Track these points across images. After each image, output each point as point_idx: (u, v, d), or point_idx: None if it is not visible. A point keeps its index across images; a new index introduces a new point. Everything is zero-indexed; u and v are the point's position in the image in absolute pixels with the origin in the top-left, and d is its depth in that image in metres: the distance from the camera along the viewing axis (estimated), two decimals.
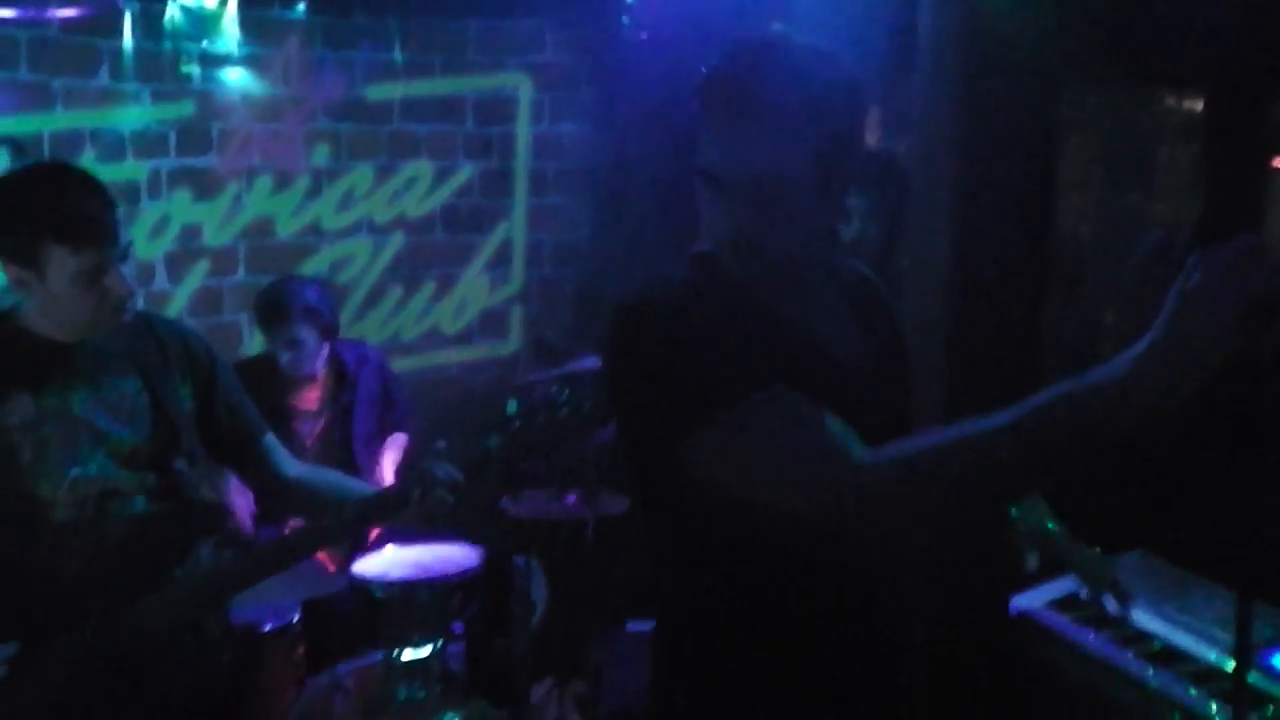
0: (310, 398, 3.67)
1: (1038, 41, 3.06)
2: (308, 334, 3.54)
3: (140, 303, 2.09)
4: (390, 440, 3.80)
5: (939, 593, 1.61)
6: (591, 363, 3.75)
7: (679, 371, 1.33)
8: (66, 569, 1.99)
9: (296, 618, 3.00)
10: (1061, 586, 2.41)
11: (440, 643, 3.05)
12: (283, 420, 3.53)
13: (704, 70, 1.44)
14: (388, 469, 3.73)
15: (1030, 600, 2.41)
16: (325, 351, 3.68)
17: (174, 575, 2.08)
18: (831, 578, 1.41)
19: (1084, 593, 2.21)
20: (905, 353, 1.63)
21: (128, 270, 1.99)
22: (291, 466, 2.35)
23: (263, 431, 2.32)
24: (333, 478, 2.47)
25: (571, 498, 3.70)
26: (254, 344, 4.17)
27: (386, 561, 3.36)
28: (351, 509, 2.20)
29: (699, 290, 1.43)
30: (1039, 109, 3.12)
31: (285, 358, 3.55)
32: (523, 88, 4.66)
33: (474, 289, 4.73)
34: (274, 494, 2.39)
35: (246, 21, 4.21)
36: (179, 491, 2.10)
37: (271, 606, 3.01)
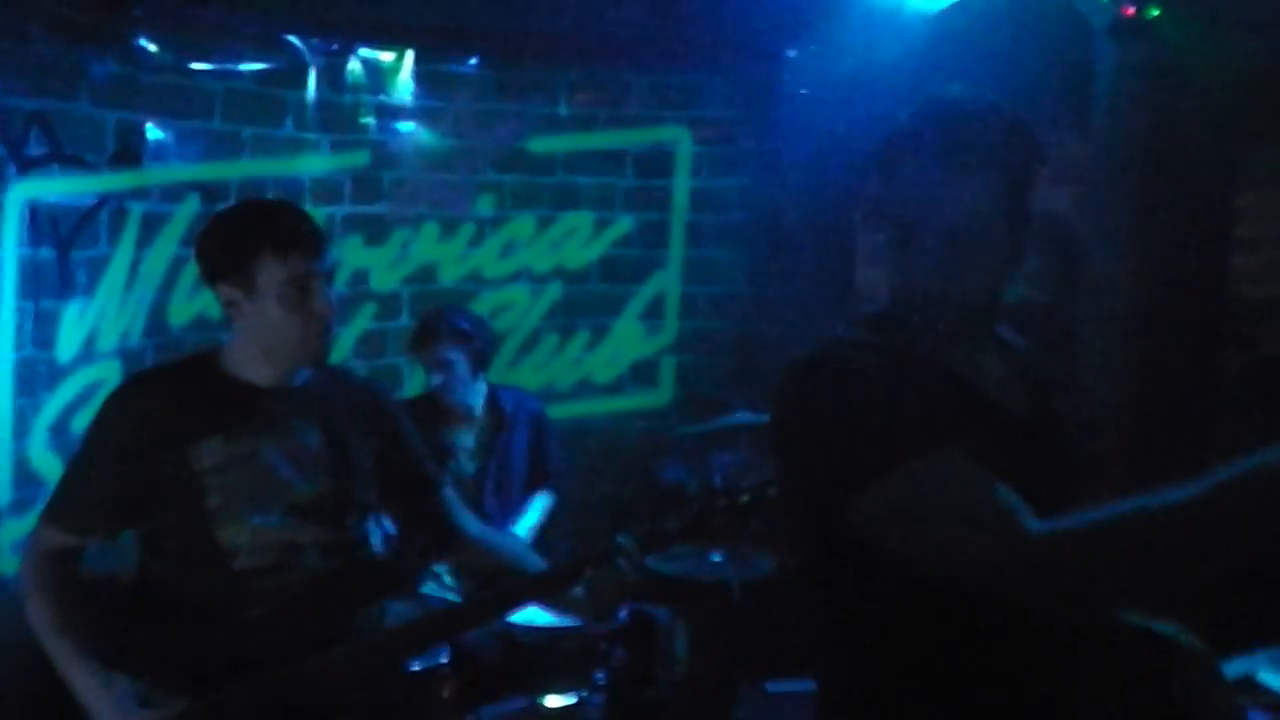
0: (468, 437, 3.74)
1: (1221, 95, 2.94)
2: (457, 356, 3.62)
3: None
4: (535, 499, 3.82)
5: (1110, 658, 1.54)
6: (744, 418, 3.72)
7: (852, 429, 1.34)
8: (245, 617, 2.01)
9: (446, 659, 3.04)
10: (1236, 668, 2.26)
11: (584, 692, 3.05)
12: (441, 458, 3.61)
13: (895, 122, 1.47)
14: (527, 527, 3.74)
15: None
16: (482, 389, 3.75)
17: (350, 630, 2.08)
18: (999, 642, 1.39)
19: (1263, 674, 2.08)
20: (1069, 421, 1.63)
21: (333, 295, 2.05)
22: (472, 524, 2.37)
23: (442, 484, 2.34)
24: (509, 543, 2.48)
25: (718, 556, 3.67)
26: (413, 386, 4.29)
27: (533, 608, 3.39)
28: (523, 584, 2.19)
29: (871, 348, 1.45)
30: (1218, 166, 3.00)
31: (435, 380, 3.63)
32: (682, 141, 4.70)
33: (627, 339, 4.77)
34: (450, 549, 2.41)
35: (421, 74, 4.38)
36: (352, 547, 2.13)
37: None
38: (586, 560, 2.12)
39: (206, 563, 2.01)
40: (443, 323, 3.64)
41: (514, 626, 3.25)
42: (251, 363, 2.08)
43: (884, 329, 1.49)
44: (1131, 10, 2.33)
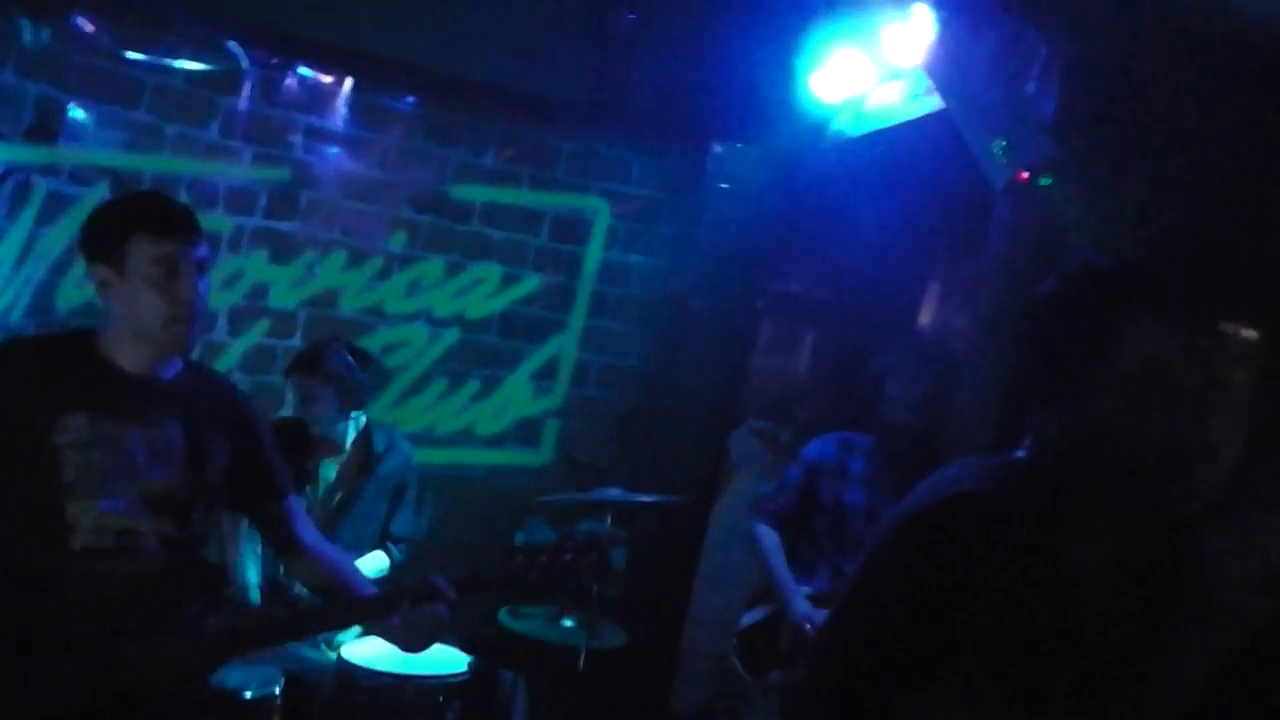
0: (330, 468, 3.72)
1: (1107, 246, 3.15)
2: (324, 392, 3.62)
3: (202, 335, 2.19)
4: (372, 556, 3.78)
5: None
6: (614, 494, 3.78)
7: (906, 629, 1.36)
8: (71, 596, 2.02)
9: (279, 690, 2.99)
10: None
11: None
12: (300, 483, 3.58)
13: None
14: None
15: None
16: (354, 425, 3.74)
17: (172, 623, 2.10)
18: None
19: None
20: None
21: (203, 285, 2.11)
22: (308, 533, 2.42)
23: (288, 492, 2.39)
24: (340, 560, 2.51)
25: (570, 622, 3.69)
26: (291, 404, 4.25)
27: (375, 649, 3.36)
28: (341, 606, 2.29)
29: (1005, 513, 1.39)
30: None
31: (301, 410, 3.62)
32: (601, 212, 4.80)
33: (516, 395, 4.80)
34: (284, 554, 2.45)
35: (356, 103, 4.40)
36: (189, 543, 2.16)
37: (257, 673, 3.02)
38: (404, 593, 2.25)
39: (47, 536, 2.03)
40: (319, 359, 3.64)
41: (354, 668, 3.22)
42: (122, 347, 2.13)
43: (1034, 480, 1.43)
44: (1025, 176, 2.52)
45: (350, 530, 3.72)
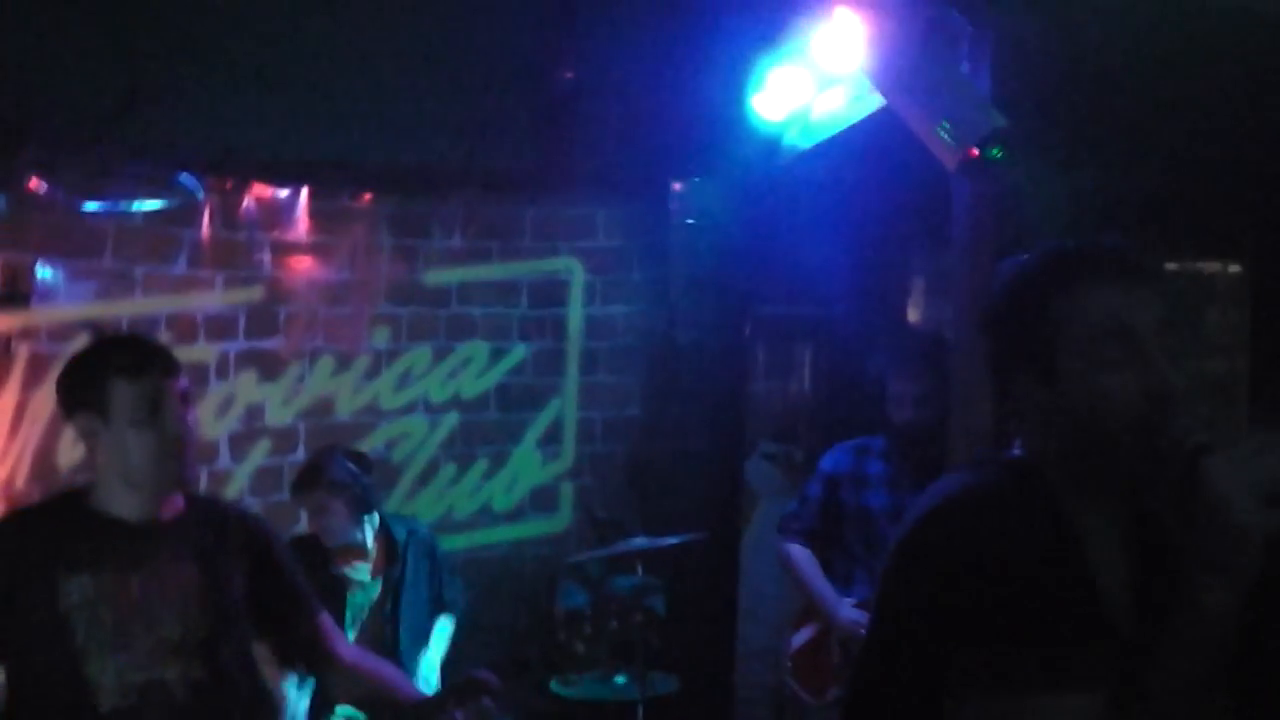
0: (362, 570, 3.71)
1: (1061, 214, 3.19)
2: (333, 504, 3.62)
3: (199, 468, 2.17)
4: (436, 626, 3.80)
5: None
6: (640, 543, 3.78)
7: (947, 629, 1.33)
8: None
9: None
10: None
11: None
12: (338, 591, 3.58)
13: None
14: (434, 654, 3.72)
15: None
16: (371, 525, 3.74)
17: None
18: None
19: None
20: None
21: (190, 417, 2.09)
22: (345, 649, 2.38)
23: (317, 611, 2.35)
24: (382, 667, 2.48)
25: (621, 679, 3.67)
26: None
27: None
28: (391, 714, 2.24)
29: (1005, 512, 1.38)
30: None
31: (314, 524, 3.62)
32: (575, 271, 4.84)
33: (526, 465, 4.80)
34: (324, 672, 2.42)
35: (315, 210, 4.45)
36: (222, 683, 2.12)
37: None
38: (451, 692, 2.24)
39: (73, 703, 2.00)
40: (319, 473, 3.64)
41: None
42: (116, 496, 2.10)
43: (1019, 476, 1.43)
44: (975, 152, 2.55)
45: (409, 620, 3.72)
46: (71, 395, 2.10)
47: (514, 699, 3.85)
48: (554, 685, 3.71)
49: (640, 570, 3.63)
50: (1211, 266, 4.48)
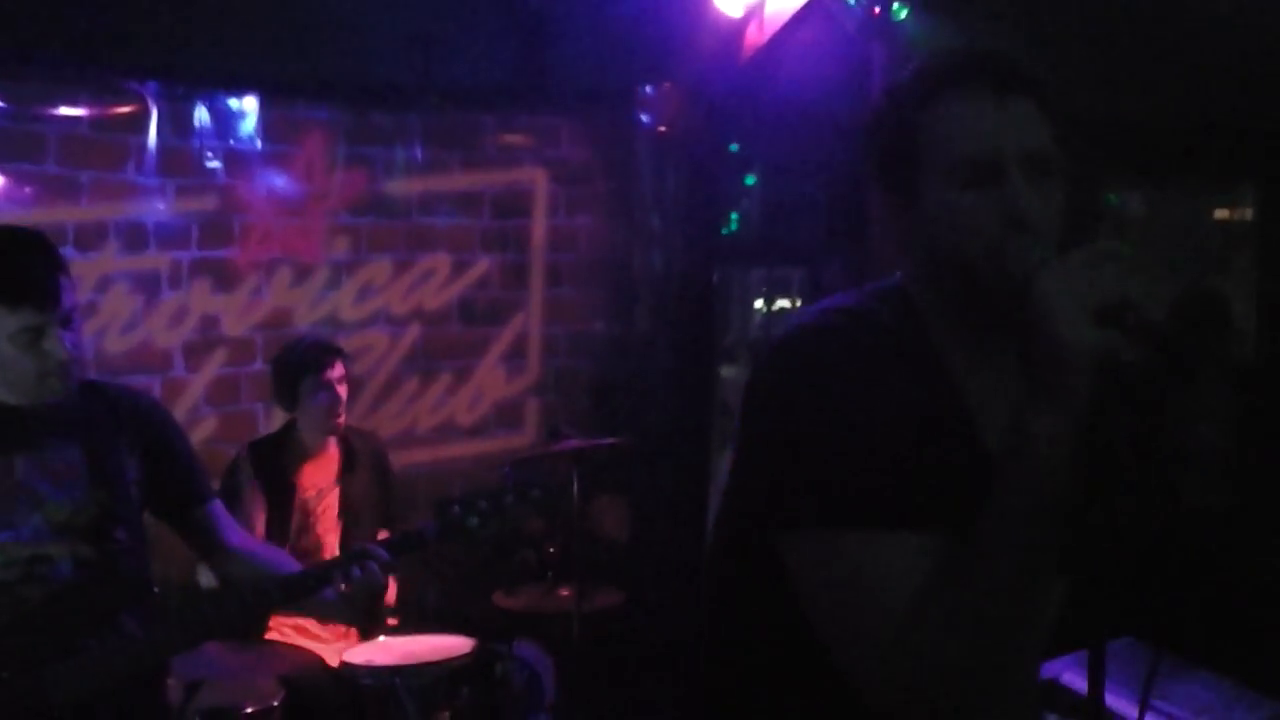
0: (320, 474, 3.67)
1: None
2: (341, 376, 3.59)
3: (89, 372, 2.13)
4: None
5: None
6: (570, 443, 3.73)
7: (806, 456, 1.23)
8: None
9: (278, 702, 2.95)
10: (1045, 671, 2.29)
11: None
12: (291, 494, 3.56)
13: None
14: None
15: None
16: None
17: (92, 641, 2.05)
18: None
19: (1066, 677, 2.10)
20: None
21: (71, 337, 2.03)
22: (235, 536, 2.36)
23: (208, 498, 2.33)
24: (273, 554, 2.46)
25: (565, 591, 3.65)
26: (269, 427, 4.21)
27: (376, 650, 3.32)
28: (274, 585, 2.22)
29: (868, 335, 1.29)
30: None
31: (325, 399, 3.55)
32: (539, 182, 4.74)
33: (490, 380, 4.75)
34: (213, 559, 2.39)
35: (270, 120, 4.36)
36: (110, 562, 2.09)
37: (255, 688, 2.99)
38: (336, 562, 2.25)
39: None
40: (330, 343, 3.63)
41: (356, 668, 3.18)
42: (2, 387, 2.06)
43: (891, 302, 1.33)
44: (878, 11, 2.44)
45: (351, 533, 3.68)
46: None
47: (461, 612, 3.86)
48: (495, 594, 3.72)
49: (575, 479, 3.58)
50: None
